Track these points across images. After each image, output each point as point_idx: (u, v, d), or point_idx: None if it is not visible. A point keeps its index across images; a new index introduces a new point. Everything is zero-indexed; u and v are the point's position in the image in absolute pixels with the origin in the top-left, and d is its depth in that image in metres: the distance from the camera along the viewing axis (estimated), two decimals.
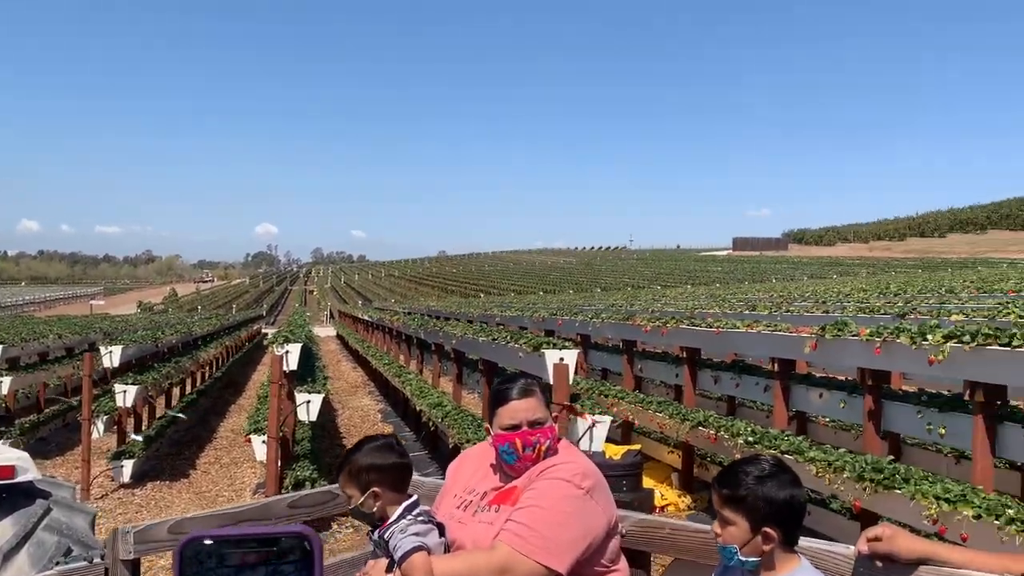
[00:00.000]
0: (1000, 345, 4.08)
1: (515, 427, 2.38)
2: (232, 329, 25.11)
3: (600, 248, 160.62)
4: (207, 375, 17.73)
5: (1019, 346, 3.95)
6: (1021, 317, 6.70)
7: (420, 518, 2.37)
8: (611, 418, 5.48)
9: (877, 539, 1.96)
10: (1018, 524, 3.63)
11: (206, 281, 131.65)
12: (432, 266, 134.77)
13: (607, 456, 7.19)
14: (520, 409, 2.40)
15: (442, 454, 9.61)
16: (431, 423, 9.31)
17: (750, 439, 5.80)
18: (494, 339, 7.48)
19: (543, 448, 2.39)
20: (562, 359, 5.44)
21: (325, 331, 43.02)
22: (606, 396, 8.63)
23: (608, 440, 8.61)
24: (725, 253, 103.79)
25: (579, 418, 5.19)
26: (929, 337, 4.51)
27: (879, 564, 1.96)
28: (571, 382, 9.12)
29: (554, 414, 2.50)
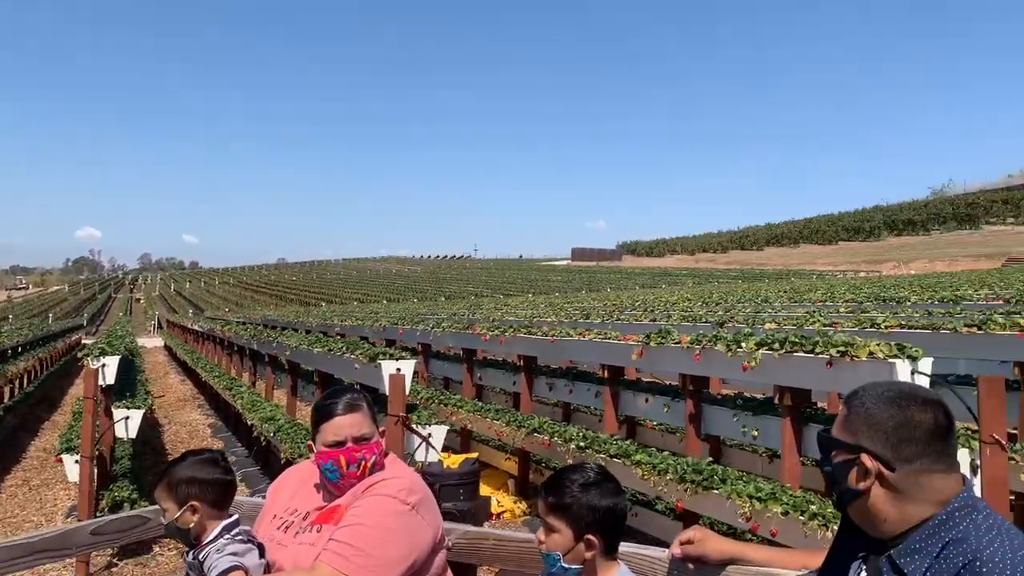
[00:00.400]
0: (805, 352, 4.41)
1: (339, 444, 2.31)
2: (48, 340, 23.17)
3: (445, 257, 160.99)
4: (16, 390, 16.21)
5: (821, 353, 4.28)
6: (825, 325, 7.30)
7: (239, 537, 2.27)
8: (447, 428, 5.46)
9: (689, 542, 2.06)
10: (820, 519, 3.93)
11: (20, 288, 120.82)
12: (271, 273, 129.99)
13: (445, 466, 7.18)
14: (345, 425, 2.33)
15: (275, 470, 9.25)
16: (263, 438, 8.94)
17: (581, 444, 5.96)
18: (330, 350, 7.29)
19: (369, 464, 2.33)
20: (399, 370, 5.38)
21: (152, 342, 40.78)
22: (446, 405, 8.63)
23: (447, 449, 8.62)
24: (564, 263, 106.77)
25: (414, 429, 5.14)
26: (743, 345, 4.80)
27: (691, 566, 2.06)
28: (409, 392, 9.10)
29: (382, 428, 2.44)
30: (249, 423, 9.77)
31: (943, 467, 1.51)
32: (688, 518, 5.25)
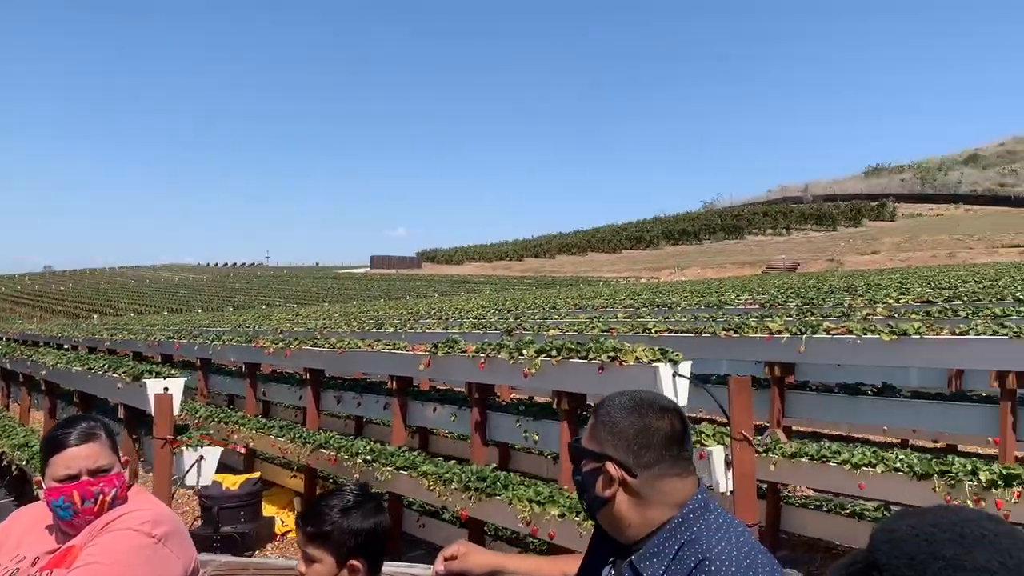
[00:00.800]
0: (580, 358, 4.59)
1: (73, 477, 2.08)
2: None
3: (235, 264, 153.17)
4: None
5: (594, 358, 4.47)
6: (603, 331, 7.68)
7: None
8: (221, 449, 5.15)
9: (453, 557, 2.04)
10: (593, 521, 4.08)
11: None
12: (35, 283, 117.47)
13: (224, 487, 6.79)
14: (79, 456, 2.10)
15: (32, 501, 8.32)
16: (14, 466, 8.04)
17: (368, 458, 5.85)
18: (90, 368, 6.66)
19: (108, 499, 2.11)
20: (166, 389, 5.00)
21: None
22: (227, 423, 8.19)
23: (229, 470, 8.17)
24: (363, 271, 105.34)
25: (184, 451, 4.80)
26: (524, 352, 4.92)
27: None
28: (187, 411, 8.53)
29: (125, 458, 2.23)
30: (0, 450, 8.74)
31: (679, 471, 1.58)
32: (473, 526, 5.29)
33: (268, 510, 7.25)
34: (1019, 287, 10.80)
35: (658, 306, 12.51)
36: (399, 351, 6.22)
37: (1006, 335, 4.88)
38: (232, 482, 6.86)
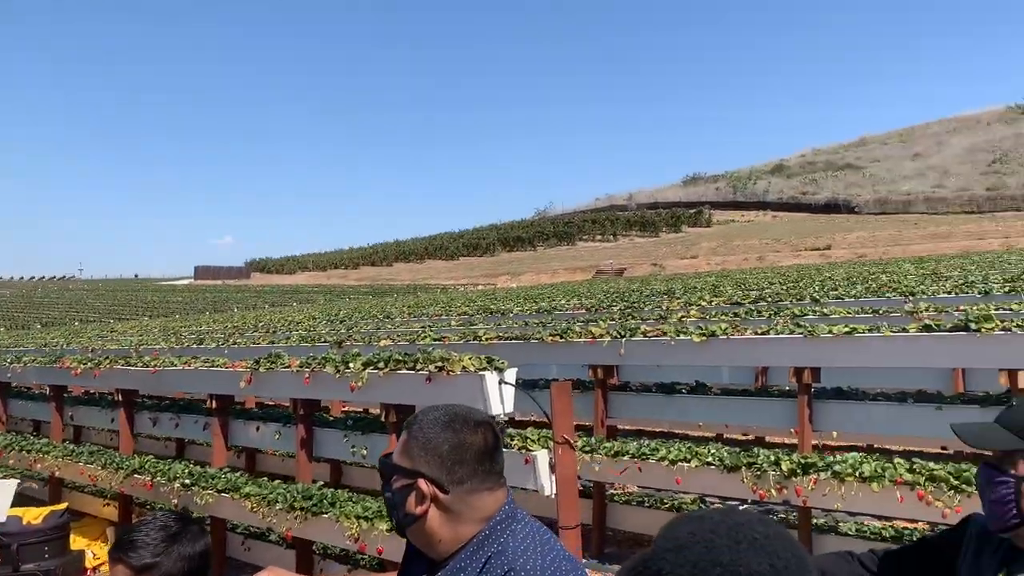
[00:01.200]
0: (407, 369, 4.55)
1: None
2: None
3: (43, 278, 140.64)
4: None
5: (421, 369, 4.45)
6: (435, 340, 7.68)
7: None
8: (17, 482, 4.70)
9: None
10: None
11: None
12: None
13: (24, 522, 6.21)
14: None
15: None
16: None
17: (187, 481, 5.55)
18: None
19: None
20: None
21: None
22: (29, 452, 7.52)
23: (34, 502, 7.48)
24: (187, 282, 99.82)
25: None
26: (351, 365, 4.82)
27: None
28: None
29: None
30: None
31: (490, 484, 1.60)
32: (301, 546, 5.14)
33: (78, 543, 6.70)
34: (816, 288, 11.81)
35: (492, 313, 12.68)
36: (218, 368, 5.93)
37: (802, 334, 5.30)
38: (35, 515, 6.27)
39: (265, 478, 5.49)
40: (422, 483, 1.57)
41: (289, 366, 5.24)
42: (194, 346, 10.02)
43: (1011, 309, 6.09)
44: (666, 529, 0.97)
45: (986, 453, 1.68)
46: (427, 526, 1.58)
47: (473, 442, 1.59)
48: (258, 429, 5.89)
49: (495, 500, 1.60)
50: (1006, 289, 8.75)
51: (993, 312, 5.16)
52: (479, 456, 1.59)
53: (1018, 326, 4.54)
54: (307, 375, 5.05)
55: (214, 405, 6.00)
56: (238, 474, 5.60)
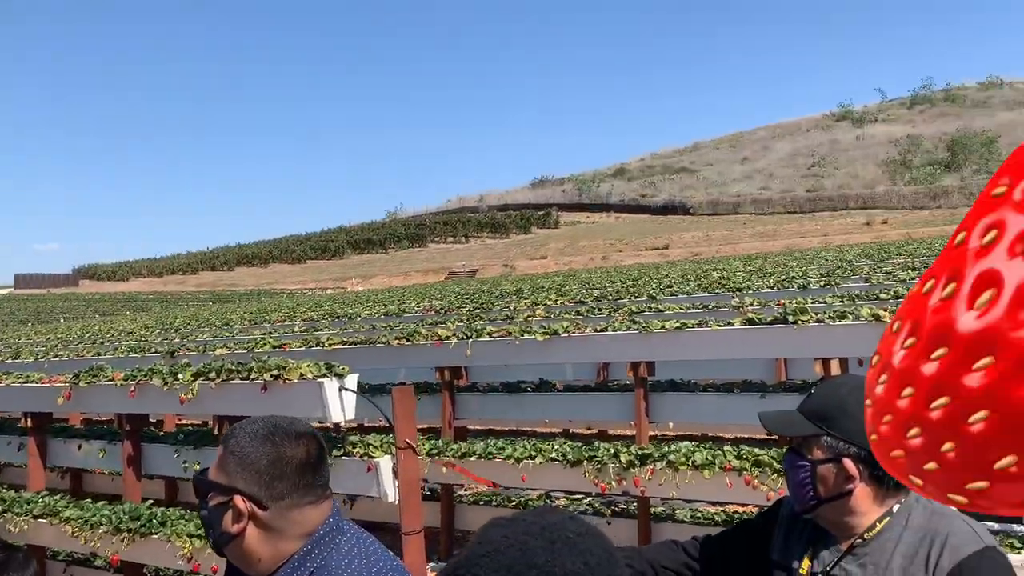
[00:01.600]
0: (241, 379, 4.36)
1: None
2: None
3: None
4: None
5: (256, 378, 4.28)
6: (275, 347, 7.42)
7: None
8: None
9: None
10: None
11: None
12: None
13: None
14: None
15: None
16: None
17: None
18: None
19: None
20: None
21: None
22: None
23: None
24: (6, 292, 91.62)
25: None
26: (180, 376, 4.57)
27: None
28: None
29: None
30: None
31: (312, 498, 1.55)
32: (130, 570, 4.82)
33: None
34: (654, 286, 12.36)
35: (338, 317, 12.42)
36: (32, 384, 5.47)
37: (636, 330, 5.51)
38: None
39: (90, 500, 5.12)
40: (239, 500, 1.50)
41: (113, 379, 4.91)
42: (9, 361, 9.21)
43: (825, 302, 6.61)
44: (480, 534, 0.97)
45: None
46: (245, 545, 1.52)
47: (294, 455, 1.53)
48: (80, 447, 5.47)
49: (319, 514, 1.56)
50: (822, 283, 9.51)
51: (809, 305, 5.57)
52: (300, 469, 1.53)
53: (830, 318, 4.92)
54: (132, 388, 4.75)
55: (29, 423, 5.53)
56: (58, 497, 5.19)
